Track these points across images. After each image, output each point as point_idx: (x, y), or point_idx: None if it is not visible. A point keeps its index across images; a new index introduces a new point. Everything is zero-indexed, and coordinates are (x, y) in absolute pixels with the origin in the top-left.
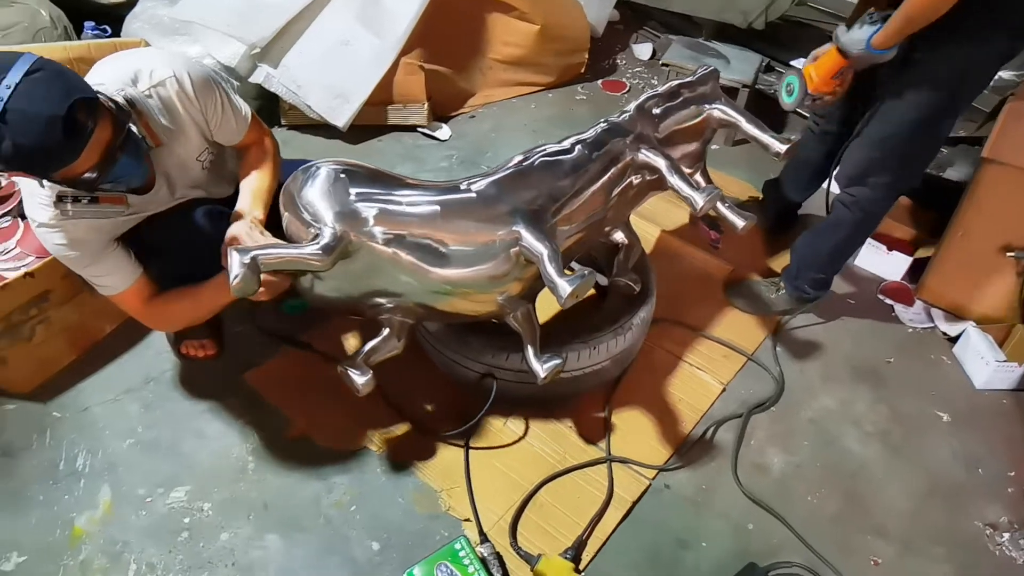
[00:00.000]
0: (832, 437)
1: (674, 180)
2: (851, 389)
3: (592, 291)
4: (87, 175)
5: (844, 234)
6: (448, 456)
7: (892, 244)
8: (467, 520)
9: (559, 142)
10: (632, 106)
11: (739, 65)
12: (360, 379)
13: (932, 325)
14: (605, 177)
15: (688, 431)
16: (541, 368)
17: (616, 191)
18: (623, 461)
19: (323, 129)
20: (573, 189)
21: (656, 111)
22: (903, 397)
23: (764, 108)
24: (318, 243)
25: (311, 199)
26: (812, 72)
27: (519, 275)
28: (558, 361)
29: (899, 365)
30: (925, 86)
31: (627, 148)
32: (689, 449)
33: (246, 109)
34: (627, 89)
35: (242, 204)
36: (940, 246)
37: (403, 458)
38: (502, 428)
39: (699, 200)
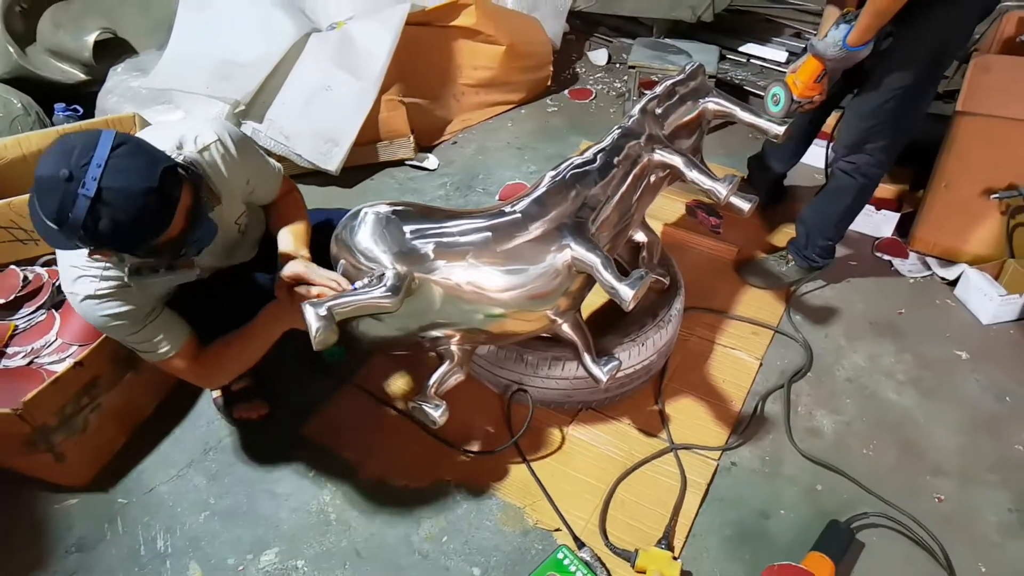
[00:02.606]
0: (871, 391)
1: (693, 174)
2: (875, 344)
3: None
4: (171, 241)
5: (849, 199)
6: (522, 472)
7: (879, 204)
8: (558, 530)
9: (580, 154)
10: (636, 109)
11: (700, 57)
12: (435, 412)
13: (930, 273)
14: (629, 180)
15: (739, 409)
16: (601, 372)
17: (639, 191)
18: (687, 447)
19: (315, 176)
20: (605, 195)
21: (658, 111)
22: (922, 343)
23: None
24: (384, 285)
25: (367, 244)
26: (796, 79)
27: (569, 286)
28: (616, 362)
29: (910, 314)
30: (912, 54)
31: (642, 150)
32: (745, 426)
33: (276, 163)
34: (593, 96)
35: (286, 247)
36: (925, 199)
37: (479, 481)
38: (565, 435)
39: (722, 190)
